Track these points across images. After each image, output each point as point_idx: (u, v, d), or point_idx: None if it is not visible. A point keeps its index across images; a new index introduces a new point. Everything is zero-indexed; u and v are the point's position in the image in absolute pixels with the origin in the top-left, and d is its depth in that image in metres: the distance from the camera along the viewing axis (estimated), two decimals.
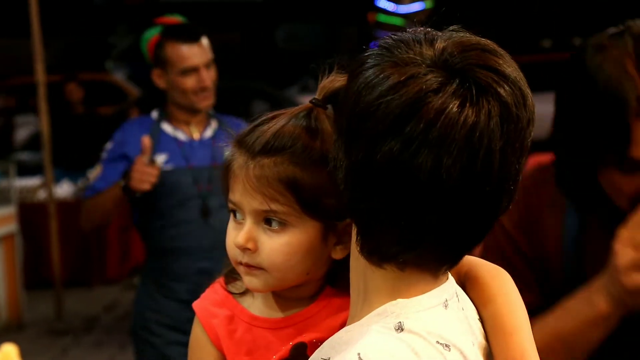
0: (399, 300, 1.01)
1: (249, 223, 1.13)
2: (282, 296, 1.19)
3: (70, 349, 5.61)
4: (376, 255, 1.00)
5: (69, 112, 7.91)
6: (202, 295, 1.22)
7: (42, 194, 6.99)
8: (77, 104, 7.99)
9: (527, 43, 13.00)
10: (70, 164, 7.64)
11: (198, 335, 1.20)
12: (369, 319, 1.01)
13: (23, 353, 5.61)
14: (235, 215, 1.16)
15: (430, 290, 1.02)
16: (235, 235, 1.14)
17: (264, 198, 1.11)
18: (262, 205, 1.11)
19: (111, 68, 17.73)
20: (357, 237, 1.01)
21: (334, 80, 1.12)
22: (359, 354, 0.94)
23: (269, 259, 1.12)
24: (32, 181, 7.36)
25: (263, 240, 1.13)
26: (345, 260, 1.13)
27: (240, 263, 1.15)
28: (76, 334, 5.90)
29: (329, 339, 1.04)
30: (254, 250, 1.13)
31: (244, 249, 1.13)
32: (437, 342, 0.98)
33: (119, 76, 13.99)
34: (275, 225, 1.12)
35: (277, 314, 1.19)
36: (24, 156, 9.13)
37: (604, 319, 1.48)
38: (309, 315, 1.19)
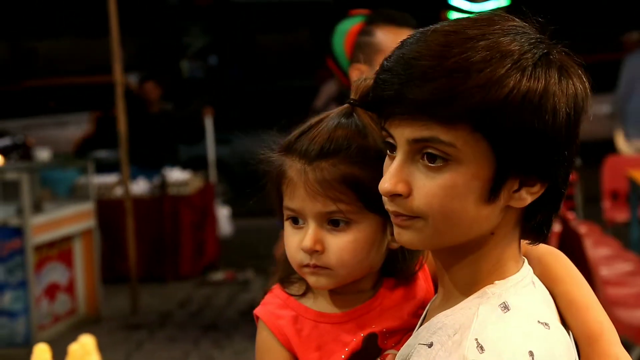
0: (496, 282, 1.03)
1: (312, 226, 1.16)
2: (343, 291, 1.21)
3: (144, 343, 5.72)
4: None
5: (146, 111, 8.07)
6: (262, 302, 1.25)
7: (118, 191, 7.16)
8: (154, 103, 8.15)
9: (609, 40, 12.71)
10: (146, 161, 7.79)
11: (266, 339, 1.22)
12: (469, 302, 1.02)
13: (100, 346, 5.76)
14: (294, 222, 1.18)
15: (519, 270, 1.06)
16: (299, 240, 1.17)
17: (327, 200, 1.14)
18: (326, 207, 1.15)
19: (186, 68, 18.03)
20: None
21: (367, 79, 1.15)
22: (476, 339, 0.96)
23: (337, 257, 1.15)
24: (109, 178, 7.54)
25: (329, 241, 1.16)
26: (401, 250, 1.19)
27: (307, 265, 1.17)
28: (151, 329, 6.01)
29: (426, 324, 1.06)
30: (322, 252, 1.16)
31: (312, 252, 1.16)
32: (538, 321, 1.01)
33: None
34: (341, 225, 1.15)
35: (340, 309, 1.22)
36: (102, 154, 9.35)
37: None
38: (373, 306, 1.22)
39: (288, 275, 1.24)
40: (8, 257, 5.46)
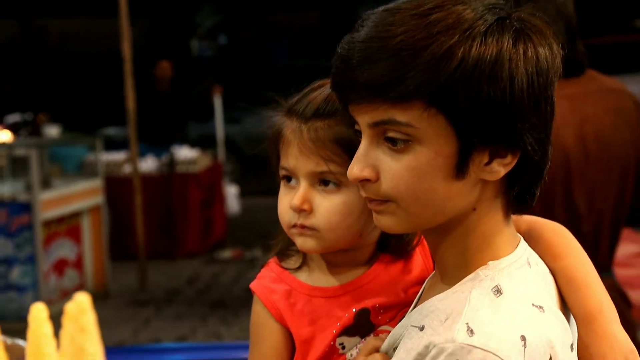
0: (489, 263, 1.02)
1: (303, 185, 1.16)
2: (338, 264, 1.21)
3: (152, 319, 5.76)
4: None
5: (155, 89, 8.07)
6: (258, 276, 1.25)
7: (127, 168, 7.17)
8: (164, 81, 8.16)
9: (619, 23, 12.63)
10: (154, 139, 7.81)
11: (259, 313, 1.22)
12: (462, 285, 1.01)
13: (107, 322, 5.81)
14: (288, 181, 1.18)
15: (514, 250, 1.04)
16: (289, 199, 1.17)
17: (320, 159, 1.14)
18: (318, 167, 1.14)
19: (196, 47, 18.00)
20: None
21: None
22: (467, 323, 0.95)
23: (324, 219, 1.15)
24: (118, 155, 7.56)
25: (318, 202, 1.15)
26: None
27: (294, 225, 1.17)
28: (158, 305, 6.05)
29: (419, 307, 1.05)
30: (310, 212, 1.15)
31: (299, 211, 1.15)
32: (532, 304, 1.00)
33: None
34: (331, 186, 1.15)
35: (335, 283, 1.21)
36: (111, 131, 9.38)
37: None
38: (367, 280, 1.21)
39: (285, 249, 1.24)
40: (17, 232, 5.50)
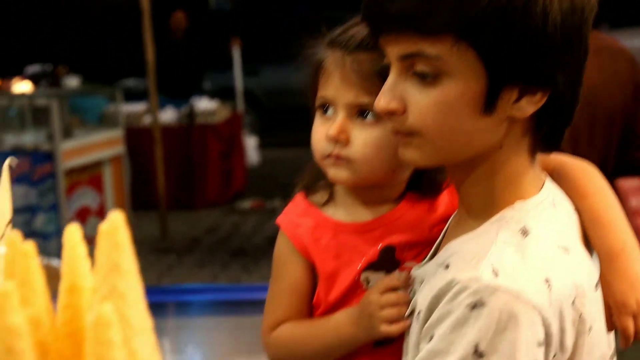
0: (517, 203, 1.02)
1: (341, 115, 1.16)
2: (365, 201, 1.21)
3: (174, 267, 5.83)
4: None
5: (170, 40, 8.05)
6: (284, 211, 1.25)
7: (147, 119, 7.19)
8: (179, 32, 8.12)
9: None
10: (174, 91, 7.81)
11: (284, 247, 1.23)
12: (489, 226, 1.01)
13: None
14: (325, 112, 1.18)
15: (539, 191, 1.04)
16: (325, 129, 1.17)
17: (360, 91, 1.13)
18: (358, 99, 1.14)
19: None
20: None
21: None
22: (492, 264, 0.95)
23: (361, 150, 1.15)
24: (138, 107, 7.58)
25: (356, 133, 1.15)
26: None
27: (329, 155, 1.16)
28: (180, 254, 6.12)
29: (445, 247, 1.06)
30: (346, 142, 1.15)
31: (335, 141, 1.15)
32: (558, 246, 1.00)
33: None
34: (369, 119, 1.14)
35: (361, 219, 1.21)
36: (130, 82, 9.38)
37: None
38: (394, 217, 1.21)
39: (312, 183, 1.24)
40: (39, 181, 5.55)
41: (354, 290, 1.20)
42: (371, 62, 1.13)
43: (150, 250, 6.20)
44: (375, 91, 1.11)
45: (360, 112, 1.15)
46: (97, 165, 6.07)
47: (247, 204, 7.45)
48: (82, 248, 0.68)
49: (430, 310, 0.98)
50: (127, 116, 7.11)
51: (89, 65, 10.40)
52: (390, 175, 1.18)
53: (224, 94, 8.89)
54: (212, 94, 8.35)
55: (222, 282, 5.41)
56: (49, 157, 5.54)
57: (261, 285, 2.22)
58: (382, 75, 1.12)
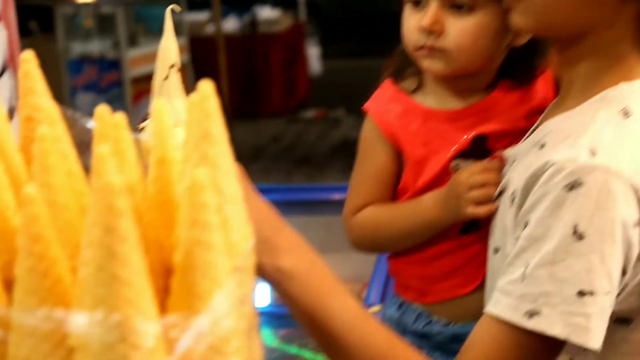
0: (621, 84, 0.99)
1: (434, 5, 1.13)
2: (457, 88, 1.19)
3: None
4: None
5: None
6: (372, 96, 1.23)
7: (210, 28, 7.18)
8: None
9: None
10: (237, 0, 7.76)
11: (370, 132, 1.22)
12: (589, 105, 0.98)
13: None
14: (417, 3, 1.15)
15: None
16: (418, 19, 1.14)
17: None
18: None
19: None
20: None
21: None
22: (590, 143, 0.93)
23: (456, 40, 1.13)
24: (201, 15, 7.56)
25: (450, 23, 1.13)
26: (525, 50, 1.15)
27: (422, 47, 1.15)
28: (244, 161, 6.10)
29: (540, 126, 1.04)
30: (440, 33, 1.13)
31: (429, 32, 1.13)
32: None
33: None
34: (464, 9, 1.12)
35: (452, 107, 1.19)
36: None
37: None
38: (487, 106, 1.19)
39: (401, 70, 1.23)
40: (107, 88, 5.62)
41: (443, 176, 1.19)
42: None
43: None
44: None
45: (454, 4, 1.13)
46: None
47: (310, 113, 7.45)
48: (170, 121, 0.68)
49: (526, 190, 0.96)
50: (190, 25, 7.11)
51: None
52: (485, 63, 1.16)
53: (286, 2, 8.80)
54: (274, 2, 8.27)
55: None
56: (115, 65, 5.60)
57: (330, 185, 2.23)
58: None
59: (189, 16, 7.21)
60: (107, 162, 0.53)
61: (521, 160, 1.02)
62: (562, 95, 1.06)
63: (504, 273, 0.95)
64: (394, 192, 1.23)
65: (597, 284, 0.90)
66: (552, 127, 1.01)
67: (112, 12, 5.70)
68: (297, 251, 0.89)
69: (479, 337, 0.95)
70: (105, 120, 0.67)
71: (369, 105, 1.23)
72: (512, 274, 0.94)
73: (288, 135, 6.88)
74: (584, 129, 0.95)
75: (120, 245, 0.50)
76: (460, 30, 1.12)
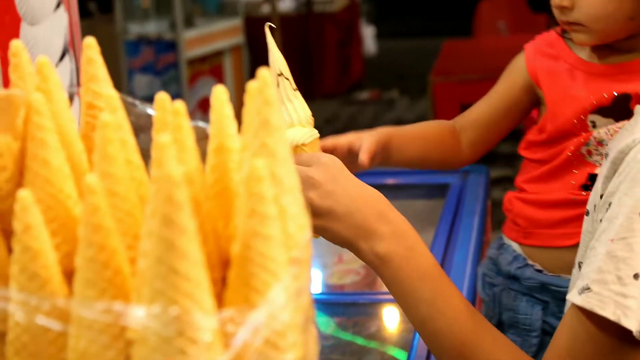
0: None
1: None
2: (613, 47, 1.21)
3: None
4: None
5: None
6: (535, 37, 1.31)
7: (265, 8, 7.19)
8: None
9: None
10: None
11: (516, 63, 1.31)
12: None
13: None
14: None
15: None
16: None
17: None
18: None
19: None
20: None
21: None
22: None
23: (585, 12, 1.16)
24: None
25: None
26: None
27: (564, 22, 1.21)
28: None
29: None
30: (571, 8, 1.17)
31: (561, 8, 1.18)
32: None
33: None
34: None
35: (602, 61, 1.22)
36: None
37: None
38: (636, 68, 1.20)
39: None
40: (163, 70, 5.67)
41: (578, 128, 1.21)
42: None
43: None
44: None
45: None
46: (217, 55, 6.14)
47: (364, 94, 7.42)
48: (229, 109, 0.67)
49: (613, 166, 0.92)
50: (246, 5, 7.12)
51: None
52: (630, 24, 1.17)
53: None
54: None
55: None
56: (172, 46, 5.64)
57: (383, 170, 2.22)
58: None
59: None
60: (167, 152, 0.53)
61: (628, 126, 0.98)
62: None
63: (587, 257, 0.91)
64: (506, 120, 1.31)
65: None
66: None
67: None
68: (395, 237, 0.94)
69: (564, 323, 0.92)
70: (165, 107, 0.68)
71: (528, 44, 1.30)
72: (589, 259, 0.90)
73: (342, 117, 6.86)
74: None
75: (179, 238, 0.50)
76: (587, 1, 1.16)
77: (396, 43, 9.70)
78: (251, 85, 0.63)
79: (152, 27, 5.84)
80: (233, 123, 0.67)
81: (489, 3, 5.94)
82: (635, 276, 0.84)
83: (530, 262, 1.28)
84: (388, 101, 7.19)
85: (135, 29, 5.76)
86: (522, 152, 1.30)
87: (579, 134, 1.19)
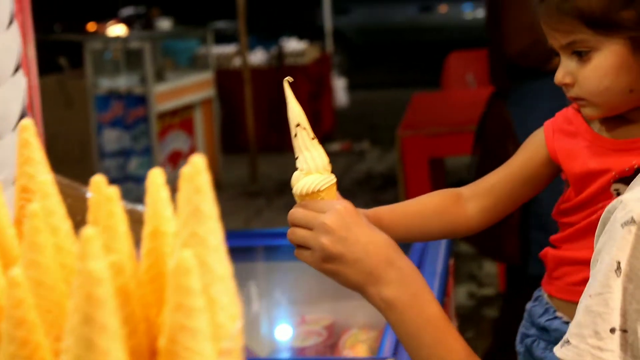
0: None
1: (563, 59, 1.21)
2: (627, 119, 1.24)
3: (263, 210, 5.90)
4: None
5: None
6: (558, 113, 1.32)
7: (237, 61, 7.24)
8: None
9: None
10: (264, 32, 7.82)
11: (537, 137, 1.31)
12: None
13: (221, 211, 5.99)
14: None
15: None
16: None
17: (558, 34, 1.19)
18: (562, 41, 1.19)
19: None
20: None
21: None
22: (632, 213, 0.92)
23: (583, 88, 1.19)
24: (228, 48, 7.62)
25: (578, 72, 1.20)
26: None
27: (570, 98, 1.23)
28: (269, 197, 6.18)
29: None
30: (573, 85, 1.21)
31: (563, 85, 1.21)
32: None
33: None
34: (584, 55, 1.19)
35: (620, 137, 1.24)
36: (221, 24, 9.43)
37: None
38: None
39: None
40: (133, 124, 5.67)
41: (604, 196, 1.23)
42: (558, 2, 1.17)
43: (240, 194, 6.28)
44: (570, 29, 1.16)
45: (574, 51, 1.19)
46: (188, 108, 6.15)
47: (335, 145, 7.45)
48: (165, 192, 0.67)
49: (602, 226, 0.97)
50: (217, 58, 7.17)
51: (181, 7, 10.50)
52: (629, 96, 1.19)
53: (313, 34, 8.85)
54: (301, 34, 8.33)
55: None
56: (142, 100, 5.64)
57: None
58: (570, 14, 1.16)
59: (216, 49, 7.27)
60: (91, 246, 0.52)
61: (633, 185, 1.03)
62: None
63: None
64: (524, 189, 1.31)
65: (630, 324, 0.90)
66: None
67: (140, 47, 5.76)
68: (401, 284, 1.03)
69: None
70: (101, 191, 0.67)
71: (548, 122, 1.31)
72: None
73: None
74: None
75: (99, 337, 0.49)
76: (584, 77, 1.19)
77: (367, 94, 9.80)
78: (185, 171, 0.63)
79: (123, 82, 5.85)
80: (169, 206, 0.67)
81: (457, 55, 6.01)
82: (612, 330, 0.91)
83: (559, 314, 1.32)
84: (359, 152, 7.22)
85: (106, 84, 5.77)
86: (554, 217, 1.34)
87: (605, 200, 1.23)
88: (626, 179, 1.21)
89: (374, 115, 8.64)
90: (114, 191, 0.65)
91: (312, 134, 1.14)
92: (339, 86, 8.59)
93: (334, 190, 1.14)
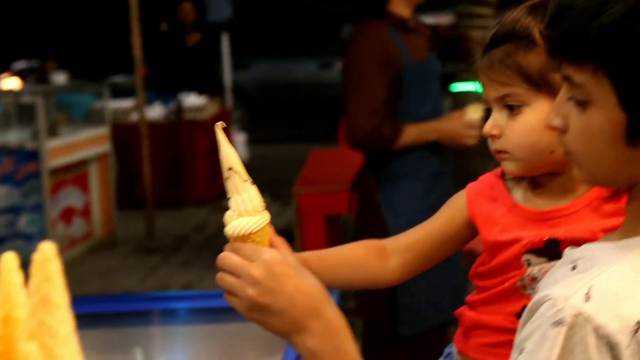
0: None
1: (494, 112, 1.25)
2: (546, 187, 1.26)
3: (160, 267, 5.79)
4: None
5: (161, 36, 8.02)
6: (479, 178, 1.35)
7: (134, 116, 7.16)
8: (189, 26, 8.14)
9: None
10: (162, 86, 7.78)
11: (458, 199, 1.34)
12: (625, 243, 0.95)
13: (115, 269, 5.79)
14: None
15: None
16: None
17: (496, 85, 1.23)
18: (497, 92, 1.24)
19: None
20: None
21: None
22: (591, 287, 0.90)
23: (509, 140, 1.24)
24: (125, 103, 7.54)
25: (506, 126, 1.24)
26: None
27: (494, 151, 1.26)
28: (166, 253, 6.08)
29: (585, 245, 1.02)
30: (499, 136, 1.25)
31: (490, 136, 1.25)
32: None
33: None
34: (515, 109, 1.23)
35: (536, 206, 1.26)
36: (118, 79, 9.34)
37: None
38: (566, 213, 1.24)
39: None
40: (23, 180, 5.51)
41: (514, 266, 1.25)
42: (500, 55, 1.22)
43: (136, 250, 6.16)
44: (507, 82, 1.20)
45: (507, 105, 1.23)
46: (82, 163, 6.03)
47: None
48: (17, 277, 0.65)
49: (529, 314, 0.95)
50: (114, 113, 7.08)
51: (78, 61, 10.36)
52: (550, 157, 1.22)
53: (212, 88, 8.85)
54: (201, 89, 8.32)
55: (208, 282, 5.37)
56: (33, 155, 5.50)
57: None
58: (509, 67, 1.21)
59: (113, 104, 7.18)
60: None
61: (554, 271, 1.01)
62: (625, 224, 1.02)
63: None
64: (442, 249, 1.34)
65: None
66: (590, 252, 0.98)
67: (32, 101, 5.63)
68: (324, 334, 1.06)
69: None
70: None
71: (470, 184, 1.34)
72: None
73: (212, 225, 6.81)
74: (600, 268, 0.93)
75: None
76: (512, 130, 1.23)
77: (267, 149, 9.83)
78: (35, 257, 0.61)
79: (14, 136, 5.70)
80: (22, 292, 0.65)
81: None
82: None
83: None
84: None
85: None
86: (471, 278, 1.36)
87: (515, 271, 1.25)
88: (537, 251, 1.24)
89: (274, 170, 8.66)
90: None
91: (245, 176, 1.14)
92: (239, 141, 8.59)
93: (266, 230, 1.15)
